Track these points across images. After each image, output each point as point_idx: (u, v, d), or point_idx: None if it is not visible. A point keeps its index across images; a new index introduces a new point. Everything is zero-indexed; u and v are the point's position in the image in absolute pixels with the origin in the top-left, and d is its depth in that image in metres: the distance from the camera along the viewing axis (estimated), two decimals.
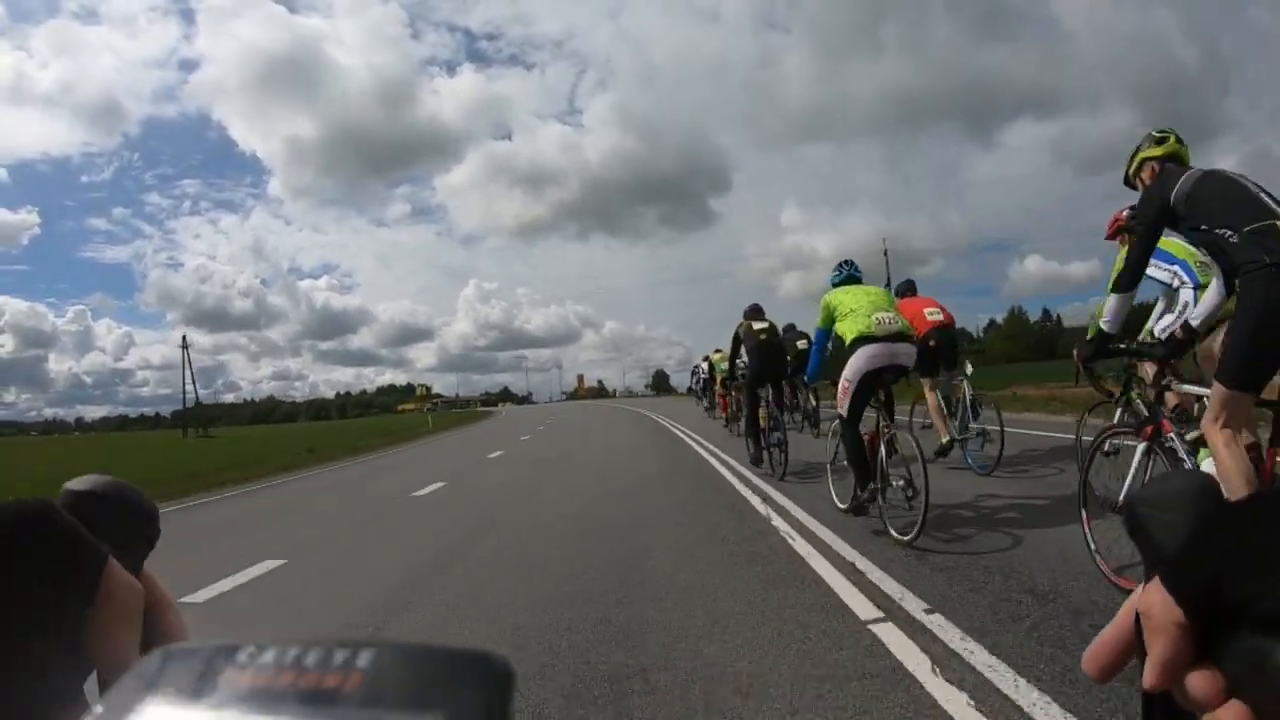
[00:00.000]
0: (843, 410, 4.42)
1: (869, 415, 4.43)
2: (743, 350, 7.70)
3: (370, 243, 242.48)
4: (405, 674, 0.18)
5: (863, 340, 4.30)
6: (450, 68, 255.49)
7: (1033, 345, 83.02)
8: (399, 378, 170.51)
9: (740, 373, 8.65)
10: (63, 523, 0.34)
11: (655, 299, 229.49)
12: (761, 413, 7.30)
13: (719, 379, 12.95)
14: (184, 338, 54.64)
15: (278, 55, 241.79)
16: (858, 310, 4.41)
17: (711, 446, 10.56)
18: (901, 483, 3.99)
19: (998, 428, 5.95)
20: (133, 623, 0.36)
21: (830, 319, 4.59)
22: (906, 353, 4.37)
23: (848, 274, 4.91)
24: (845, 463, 4.52)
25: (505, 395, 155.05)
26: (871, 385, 4.34)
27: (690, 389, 26.48)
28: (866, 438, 4.35)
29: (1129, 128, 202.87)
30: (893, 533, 3.94)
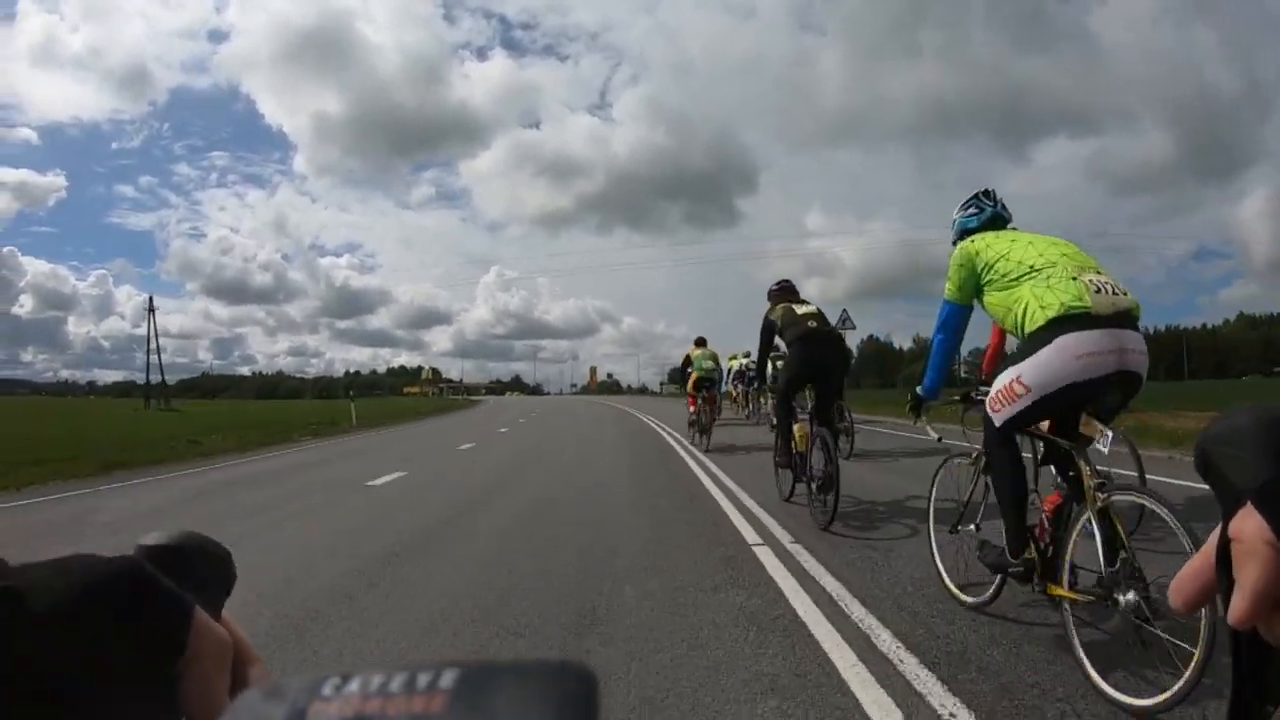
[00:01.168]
0: (996, 423, 2.58)
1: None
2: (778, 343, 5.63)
3: (394, 225, 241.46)
4: (490, 692, 0.18)
5: (1068, 322, 2.37)
6: (482, 53, 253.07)
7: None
8: (414, 360, 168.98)
9: (771, 375, 6.63)
10: (150, 577, 0.35)
11: (675, 296, 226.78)
12: (796, 430, 5.21)
13: (693, 377, 10.72)
14: (150, 300, 43.48)
15: (308, 30, 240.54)
16: (1046, 269, 2.51)
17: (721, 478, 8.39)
18: None
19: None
20: (222, 671, 0.37)
21: (972, 287, 2.73)
22: (1139, 351, 2.41)
23: (992, 211, 3.00)
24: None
25: (515, 384, 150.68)
26: (1068, 404, 2.46)
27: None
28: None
29: (1163, 149, 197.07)
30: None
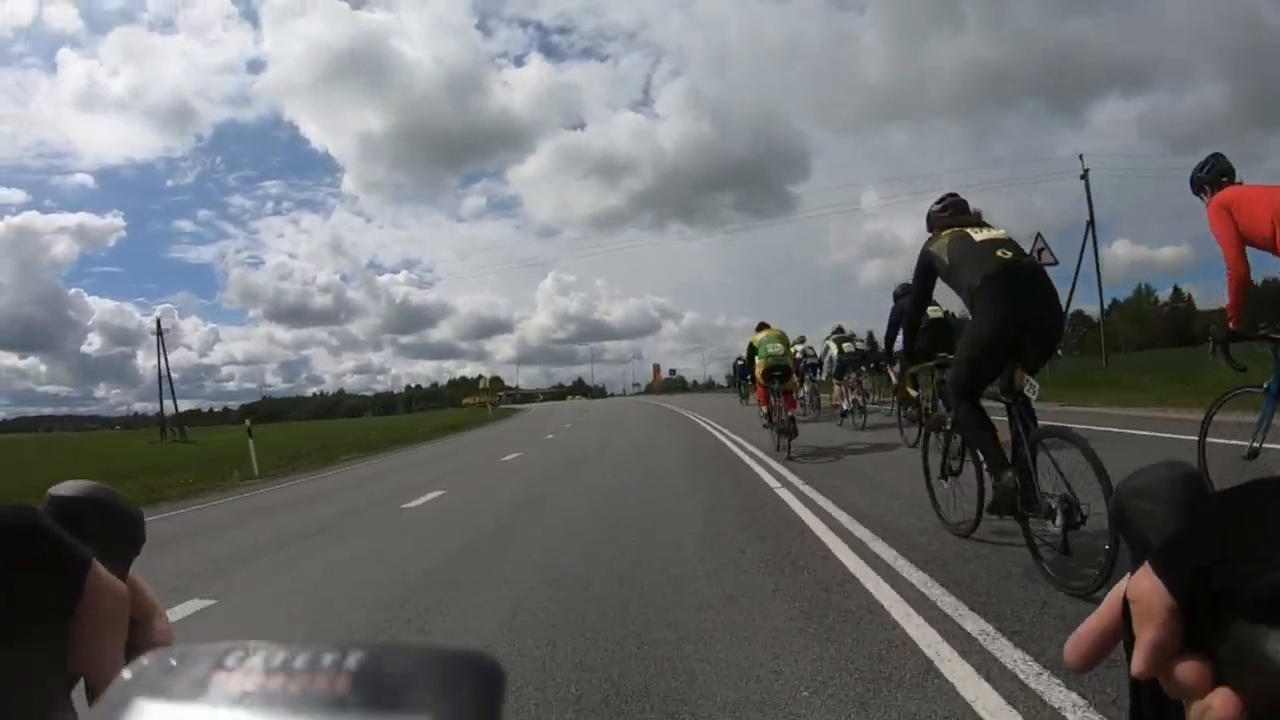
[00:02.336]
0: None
1: None
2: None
3: (449, 238, 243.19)
4: (394, 675, 0.18)
5: None
6: (520, 60, 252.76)
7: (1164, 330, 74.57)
8: (479, 370, 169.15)
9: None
10: (45, 529, 0.33)
11: (734, 288, 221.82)
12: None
13: (761, 366, 8.22)
14: (158, 323, 38.78)
15: (346, 51, 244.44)
16: None
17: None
18: None
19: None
20: (117, 628, 0.35)
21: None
22: None
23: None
24: None
25: (577, 388, 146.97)
26: None
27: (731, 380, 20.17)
28: None
29: (1219, 102, 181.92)
30: None
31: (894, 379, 5.82)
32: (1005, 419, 3.18)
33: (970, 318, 3.23)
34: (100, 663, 0.33)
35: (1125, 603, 0.29)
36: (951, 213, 3.55)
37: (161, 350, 36.86)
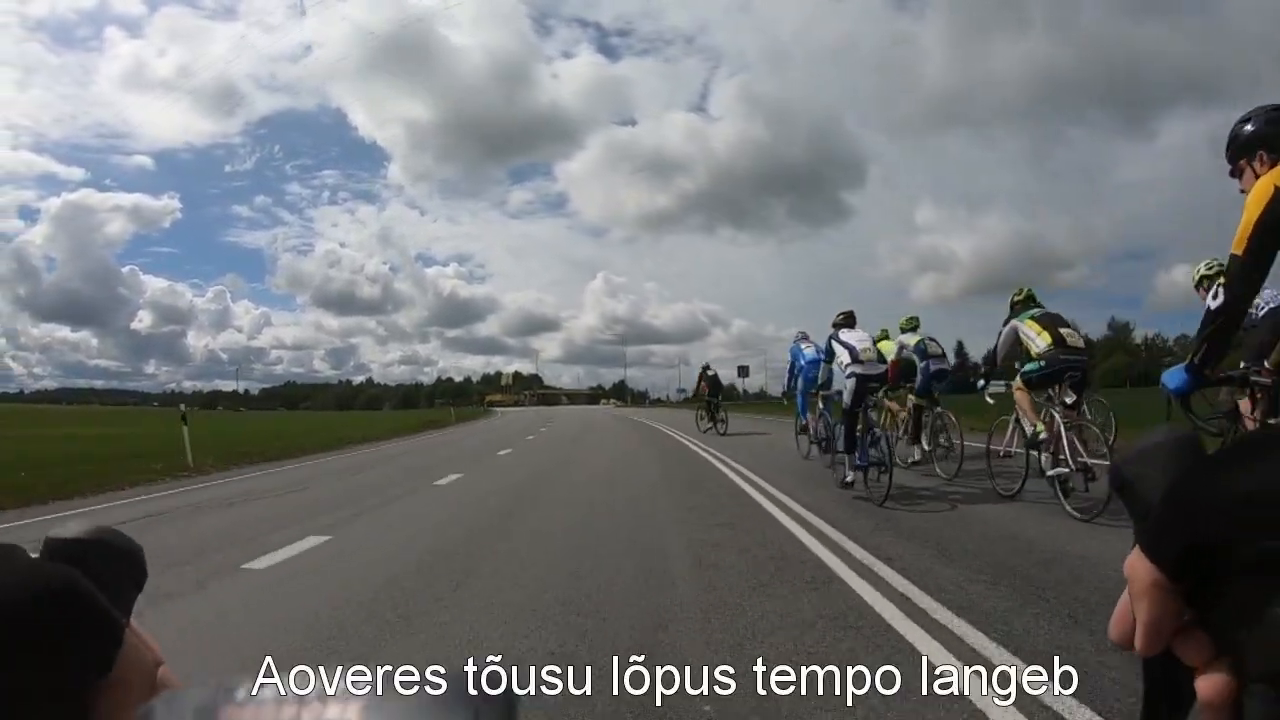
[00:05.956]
0: None
1: None
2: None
3: (500, 234, 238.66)
4: (405, 702, 0.18)
5: None
6: (569, 57, 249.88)
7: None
8: (525, 367, 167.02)
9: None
10: (85, 593, 0.32)
11: (785, 297, 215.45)
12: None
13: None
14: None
15: (397, 39, 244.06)
16: None
17: None
18: None
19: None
20: (143, 695, 0.33)
21: None
22: None
23: None
24: None
25: (617, 392, 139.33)
26: None
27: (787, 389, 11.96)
28: None
29: None
30: None
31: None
32: None
33: None
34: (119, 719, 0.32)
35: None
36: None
37: None
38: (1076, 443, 5.03)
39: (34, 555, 0.33)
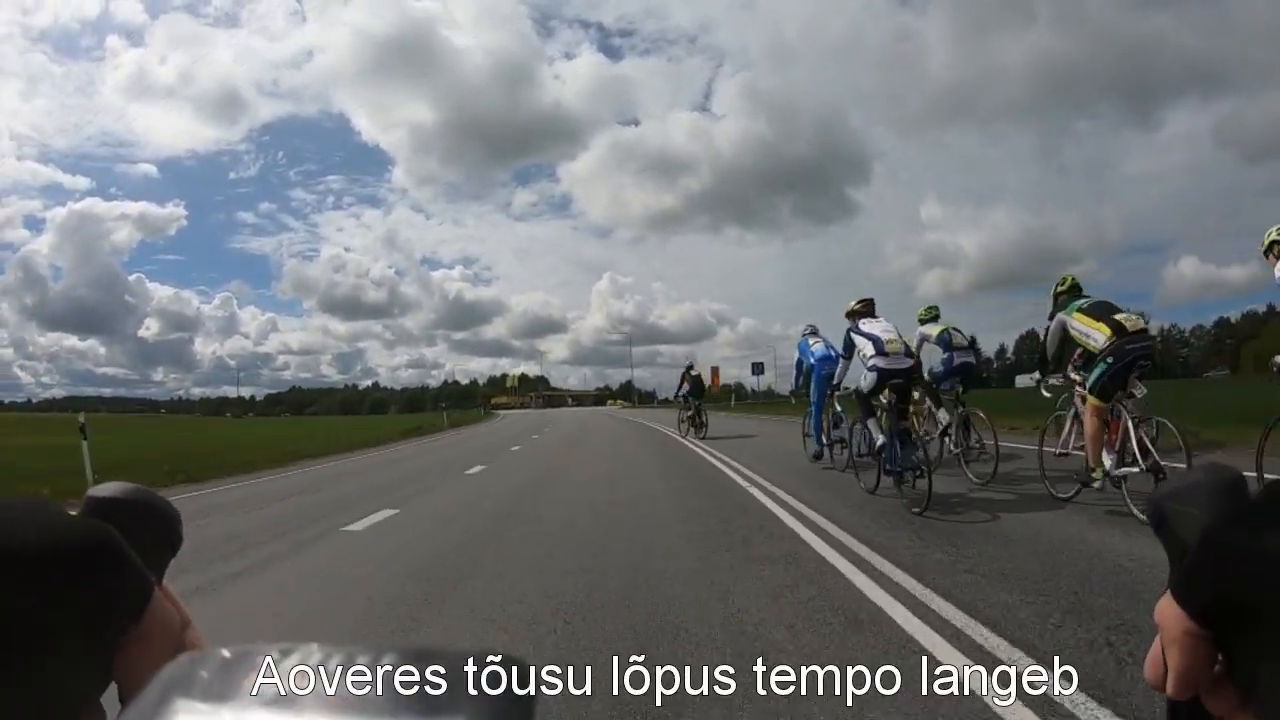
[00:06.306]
0: None
1: None
2: None
3: (506, 236, 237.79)
4: (426, 678, 0.18)
5: None
6: (570, 58, 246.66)
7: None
8: (532, 369, 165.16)
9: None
10: (116, 549, 0.33)
11: (792, 295, 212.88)
12: None
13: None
14: None
15: (398, 40, 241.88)
16: None
17: None
18: None
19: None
20: (165, 655, 0.33)
21: None
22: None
23: None
24: None
25: (624, 392, 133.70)
26: None
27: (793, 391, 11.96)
28: None
29: None
30: None
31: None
32: None
33: None
34: (139, 679, 0.32)
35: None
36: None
37: None
38: (1146, 440, 4.56)
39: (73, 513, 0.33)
